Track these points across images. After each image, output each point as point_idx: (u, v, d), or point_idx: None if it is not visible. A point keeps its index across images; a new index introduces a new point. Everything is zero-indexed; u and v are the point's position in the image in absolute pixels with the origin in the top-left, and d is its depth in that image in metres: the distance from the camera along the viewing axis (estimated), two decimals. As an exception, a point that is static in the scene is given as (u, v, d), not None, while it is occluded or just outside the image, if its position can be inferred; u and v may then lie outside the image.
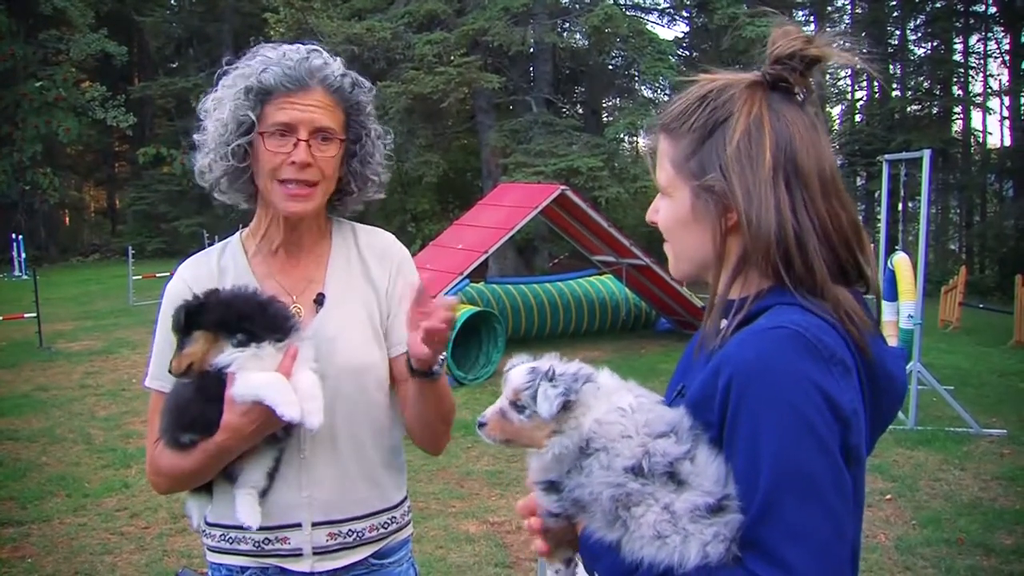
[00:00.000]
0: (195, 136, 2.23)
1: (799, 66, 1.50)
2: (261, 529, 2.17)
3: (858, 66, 1.58)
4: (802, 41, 1.49)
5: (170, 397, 2.17)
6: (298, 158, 2.12)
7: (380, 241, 2.39)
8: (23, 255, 25.86)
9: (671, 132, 1.56)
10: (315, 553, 2.21)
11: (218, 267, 2.28)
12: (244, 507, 2.14)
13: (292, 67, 2.13)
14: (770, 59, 1.52)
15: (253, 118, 2.11)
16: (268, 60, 2.15)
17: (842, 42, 1.54)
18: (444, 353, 2.13)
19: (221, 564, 2.26)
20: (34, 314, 13.49)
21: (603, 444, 1.41)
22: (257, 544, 2.20)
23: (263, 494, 2.17)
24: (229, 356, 2.03)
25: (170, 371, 2.06)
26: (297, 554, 2.21)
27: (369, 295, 2.30)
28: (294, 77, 2.13)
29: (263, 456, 2.14)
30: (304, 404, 2.00)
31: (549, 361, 1.54)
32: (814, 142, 1.49)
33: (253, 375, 2.01)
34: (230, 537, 2.23)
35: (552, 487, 1.48)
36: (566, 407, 1.47)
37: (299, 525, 2.20)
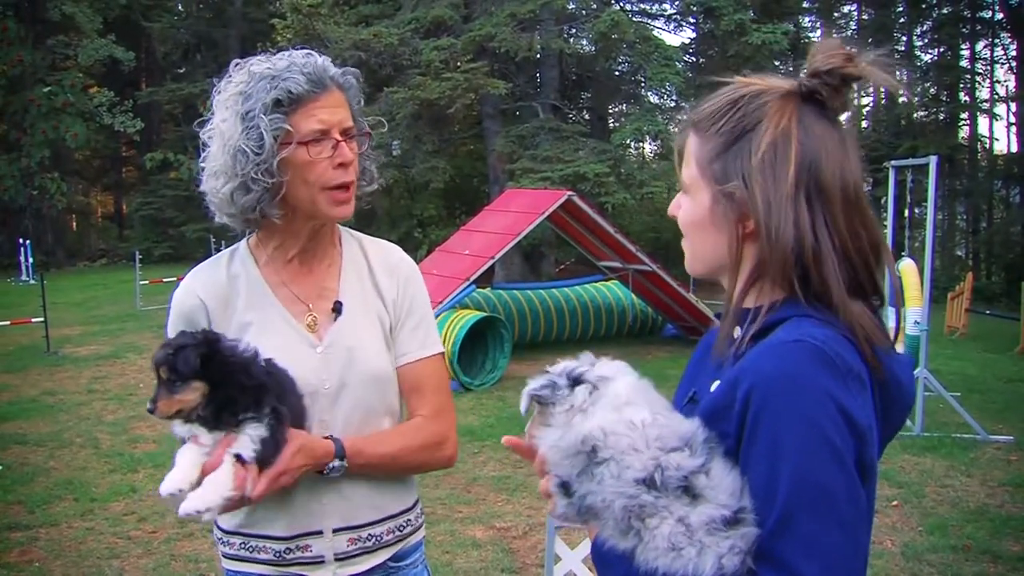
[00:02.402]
0: (204, 165, 2.17)
1: (836, 82, 1.48)
2: (282, 539, 2.18)
3: (898, 90, 1.56)
4: (843, 58, 1.48)
5: None
6: (345, 158, 2.13)
7: (389, 254, 2.39)
8: (30, 260, 25.91)
9: (700, 131, 1.56)
10: (337, 559, 2.22)
11: (228, 274, 2.26)
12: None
13: (310, 70, 2.11)
14: (809, 71, 1.50)
15: (289, 128, 2.07)
16: (278, 69, 2.11)
17: (886, 61, 1.52)
18: (335, 462, 2.11)
19: (239, 572, 2.25)
20: (41, 319, 13.54)
21: (611, 455, 1.41)
22: (278, 553, 2.20)
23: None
24: (182, 427, 1.99)
25: (150, 411, 1.94)
26: (319, 561, 2.21)
27: (379, 305, 2.30)
28: (316, 80, 2.11)
29: None
30: (197, 491, 1.91)
31: (557, 366, 1.56)
32: (841, 160, 1.48)
33: (190, 447, 1.97)
34: (250, 546, 2.22)
35: (564, 488, 1.49)
36: (540, 401, 1.51)
37: (320, 532, 2.20)
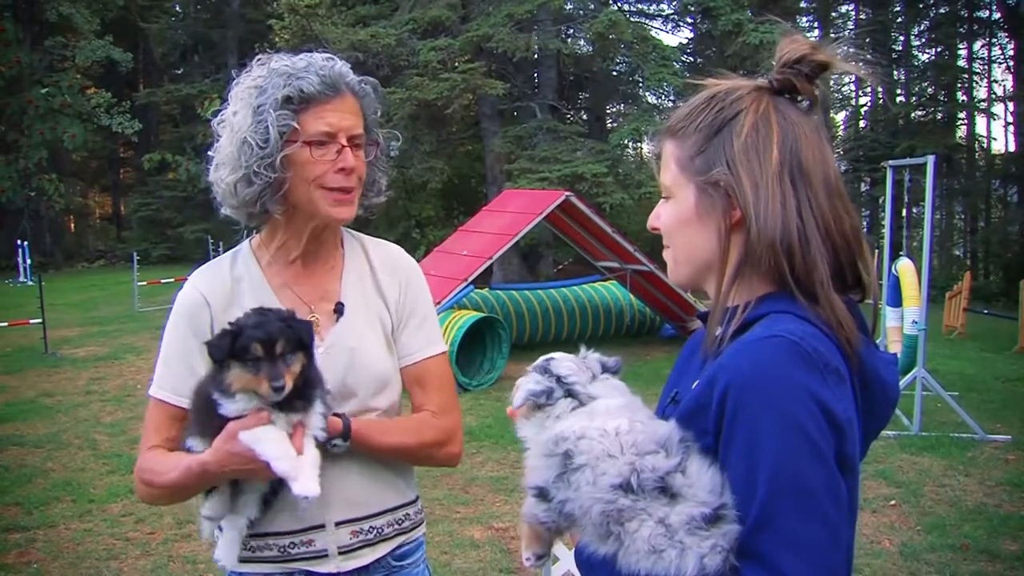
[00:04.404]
0: (212, 155, 2.18)
1: (806, 70, 1.52)
2: (286, 534, 2.19)
3: (863, 75, 1.59)
4: (809, 47, 1.51)
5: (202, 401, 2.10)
6: (346, 164, 2.13)
7: (390, 255, 2.41)
8: (28, 261, 25.91)
9: (677, 133, 1.58)
10: (340, 552, 2.23)
11: (231, 276, 2.27)
12: (223, 545, 2.12)
13: (326, 73, 2.12)
14: (778, 64, 1.54)
15: (296, 126, 2.09)
16: (296, 68, 2.12)
17: (848, 50, 1.55)
18: (337, 441, 2.12)
19: (242, 573, 2.26)
20: (39, 320, 13.54)
21: (585, 460, 1.43)
22: (282, 549, 2.21)
23: (266, 501, 2.16)
24: (243, 405, 1.96)
25: (276, 389, 1.89)
26: (322, 555, 2.22)
27: (380, 305, 2.32)
28: (330, 83, 2.12)
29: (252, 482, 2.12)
30: (309, 471, 1.95)
31: (565, 360, 1.61)
32: (819, 145, 1.51)
33: (261, 428, 1.95)
34: (252, 546, 2.23)
35: (541, 495, 1.50)
36: (533, 402, 1.55)
37: (323, 526, 2.21)
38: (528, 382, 1.58)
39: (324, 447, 2.10)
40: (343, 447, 2.13)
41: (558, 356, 1.63)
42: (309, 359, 1.98)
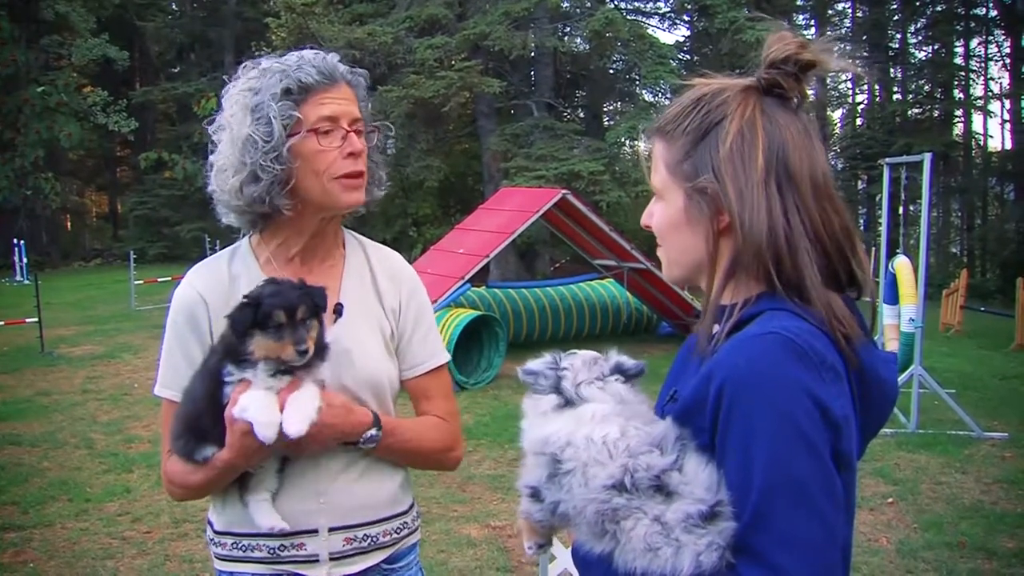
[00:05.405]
0: (211, 163, 2.18)
1: (793, 70, 1.51)
2: (278, 536, 2.16)
3: (854, 72, 1.59)
4: (797, 46, 1.50)
5: (183, 409, 2.15)
6: (354, 148, 2.14)
7: (391, 261, 2.40)
8: (25, 260, 25.87)
9: (666, 135, 1.58)
10: (332, 559, 2.21)
11: (229, 273, 2.26)
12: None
13: (320, 64, 2.14)
14: (765, 63, 1.53)
15: (299, 116, 2.09)
16: (288, 64, 2.14)
17: (838, 48, 1.55)
18: (372, 431, 2.14)
19: (232, 573, 2.25)
20: (36, 319, 13.50)
21: (574, 466, 1.43)
22: (272, 551, 2.19)
23: (275, 495, 2.17)
24: (241, 374, 2.00)
25: (301, 352, 1.96)
26: (313, 560, 2.20)
27: (379, 310, 2.31)
28: (326, 73, 2.14)
29: (270, 458, 2.13)
30: (289, 412, 1.97)
31: (580, 355, 1.62)
32: (807, 147, 1.50)
33: (245, 394, 1.98)
34: (243, 545, 2.22)
35: (534, 495, 1.50)
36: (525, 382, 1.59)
37: (316, 531, 2.19)
38: (532, 362, 1.60)
39: (357, 443, 2.15)
40: (375, 437, 2.15)
41: (579, 351, 1.64)
42: (321, 325, 2.05)
